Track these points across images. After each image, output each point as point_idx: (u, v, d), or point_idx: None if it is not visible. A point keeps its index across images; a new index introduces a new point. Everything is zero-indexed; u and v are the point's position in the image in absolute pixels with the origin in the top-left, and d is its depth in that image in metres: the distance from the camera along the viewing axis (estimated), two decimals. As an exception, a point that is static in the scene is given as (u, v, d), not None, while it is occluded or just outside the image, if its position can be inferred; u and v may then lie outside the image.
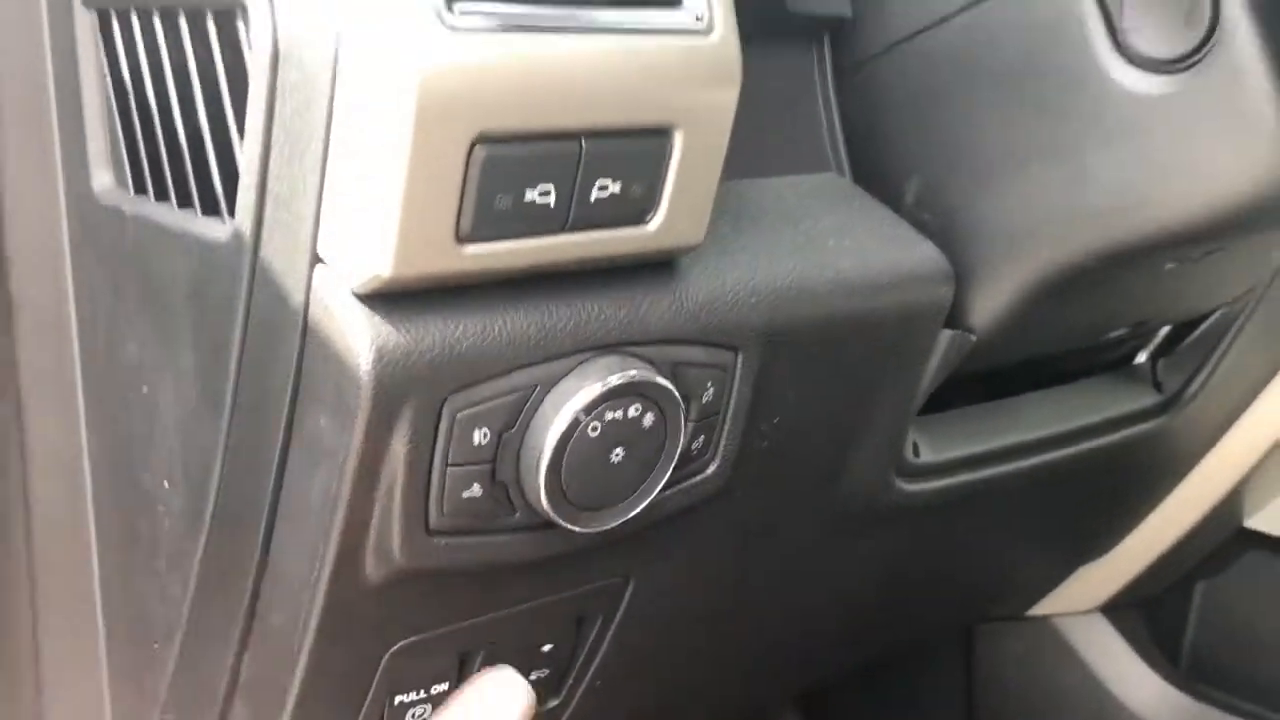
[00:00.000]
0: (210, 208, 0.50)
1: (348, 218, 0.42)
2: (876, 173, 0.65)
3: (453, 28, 0.39)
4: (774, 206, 0.59)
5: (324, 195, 0.43)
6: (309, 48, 0.42)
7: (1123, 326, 0.78)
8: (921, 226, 0.63)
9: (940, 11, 0.60)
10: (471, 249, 0.43)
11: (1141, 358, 0.87)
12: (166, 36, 0.50)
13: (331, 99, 0.41)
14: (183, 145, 0.51)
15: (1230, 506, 1.08)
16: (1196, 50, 0.53)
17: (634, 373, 0.48)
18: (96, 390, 0.61)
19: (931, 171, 0.62)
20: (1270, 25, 0.51)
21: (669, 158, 0.46)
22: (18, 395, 0.64)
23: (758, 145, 0.61)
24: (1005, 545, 0.97)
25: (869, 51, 0.64)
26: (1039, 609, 1.19)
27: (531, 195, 0.43)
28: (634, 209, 0.46)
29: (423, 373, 0.44)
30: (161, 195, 0.54)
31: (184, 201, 0.52)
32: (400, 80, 0.39)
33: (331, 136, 0.42)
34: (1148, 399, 0.86)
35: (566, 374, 0.47)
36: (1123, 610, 1.20)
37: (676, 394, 0.50)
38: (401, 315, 0.43)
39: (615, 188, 0.45)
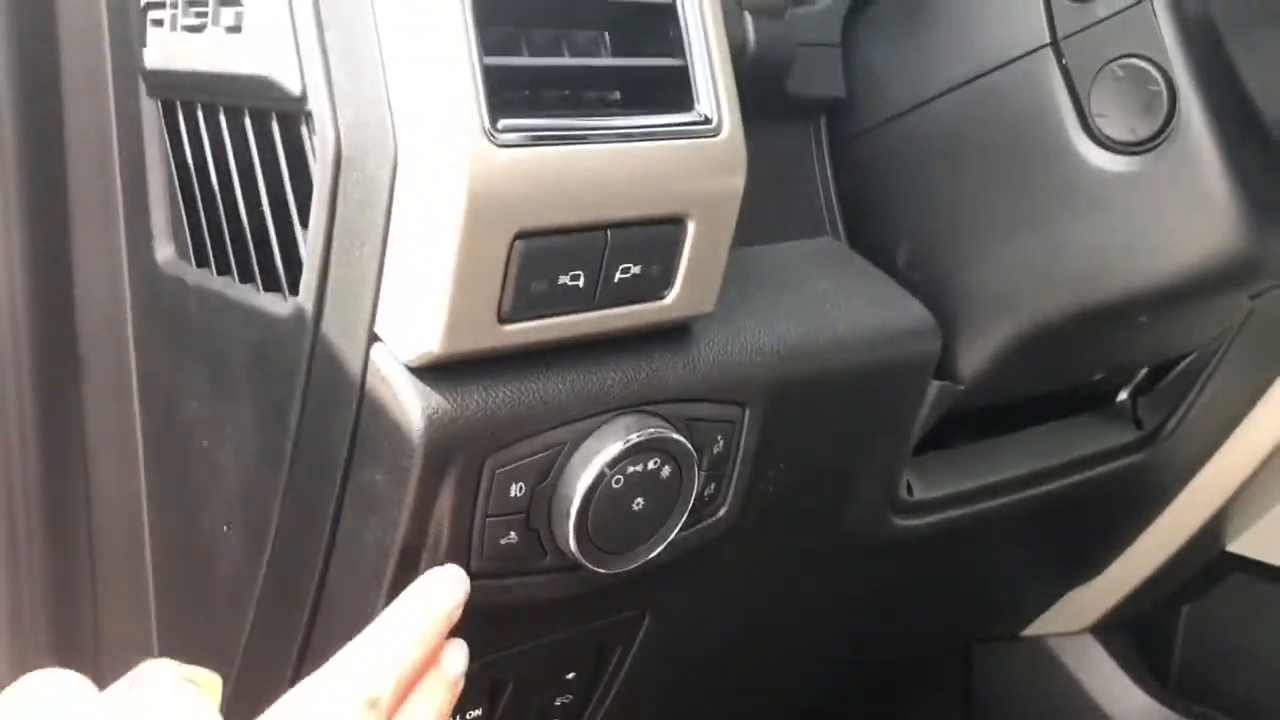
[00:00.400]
0: (271, 284, 0.56)
1: (402, 302, 0.48)
2: (870, 237, 0.70)
3: (496, 142, 0.45)
4: (777, 271, 0.65)
5: (381, 282, 0.49)
6: (370, 155, 0.47)
7: (1102, 372, 0.83)
8: (911, 286, 0.68)
9: (926, 93, 0.66)
10: (510, 327, 0.49)
11: (1123, 396, 0.93)
12: (230, 130, 0.56)
13: (390, 200, 0.47)
14: (245, 226, 0.57)
15: (1212, 532, 1.13)
16: (1156, 135, 0.58)
17: (652, 430, 0.54)
18: (157, 443, 0.67)
19: (920, 237, 0.68)
20: (1220, 116, 0.57)
21: (683, 242, 0.52)
22: (83, 445, 0.69)
23: (762, 213, 0.67)
24: (997, 571, 1.02)
25: (862, 127, 0.70)
26: (1032, 629, 1.24)
27: (564, 279, 0.49)
28: (652, 286, 0.52)
29: (467, 435, 0.50)
30: (223, 269, 0.59)
31: (245, 277, 0.58)
32: (452, 188, 0.45)
33: (390, 232, 0.48)
34: (1128, 435, 0.91)
35: (592, 432, 0.53)
36: (1112, 631, 1.25)
37: (691, 448, 0.55)
38: (449, 385, 0.49)
39: (636, 269, 0.51)
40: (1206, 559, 1.18)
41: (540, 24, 0.50)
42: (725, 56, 0.53)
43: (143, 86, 0.61)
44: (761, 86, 0.63)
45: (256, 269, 0.56)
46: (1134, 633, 1.27)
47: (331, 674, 0.43)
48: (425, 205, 0.46)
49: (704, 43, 0.52)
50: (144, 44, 0.59)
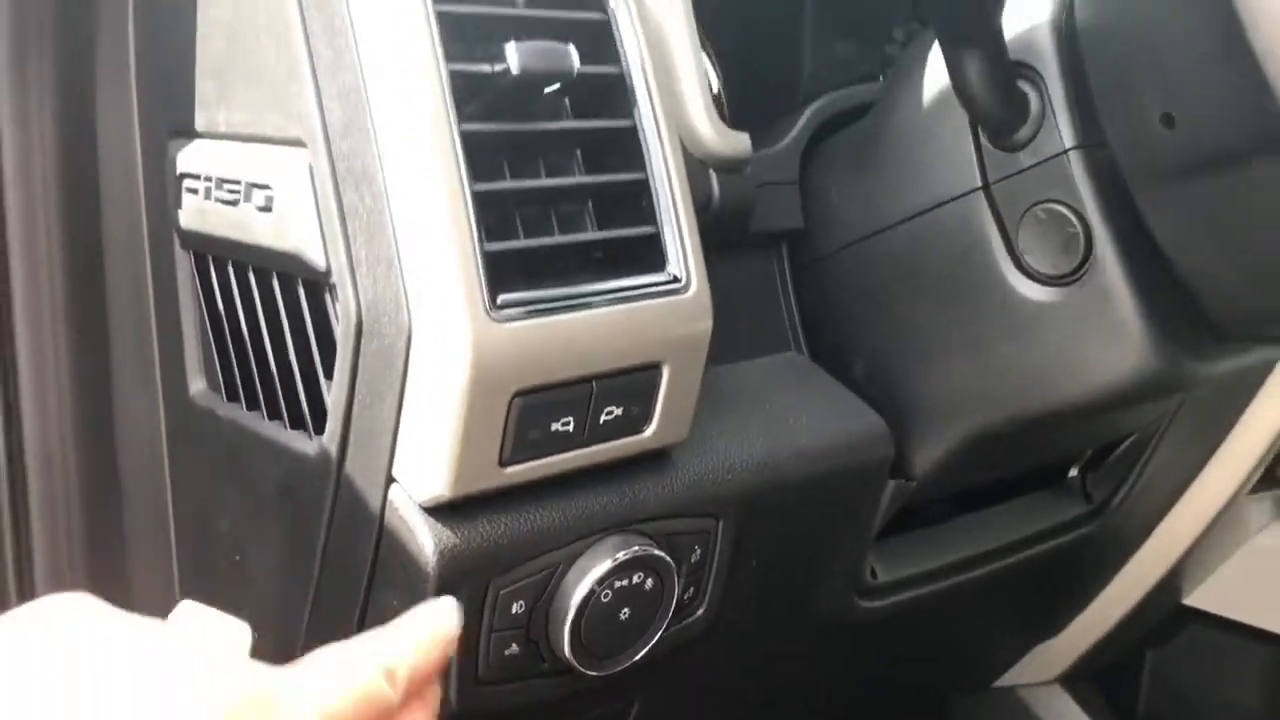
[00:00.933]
0: (298, 423, 0.63)
1: (417, 450, 0.56)
2: (830, 351, 0.78)
3: (496, 318, 0.53)
4: (745, 389, 0.73)
5: (399, 434, 0.56)
6: (387, 326, 0.55)
7: (1048, 460, 0.91)
8: (867, 395, 0.76)
9: (876, 225, 0.74)
10: (510, 469, 0.56)
11: (1073, 472, 1.01)
12: (259, 289, 0.63)
13: (406, 365, 0.54)
14: (273, 371, 0.64)
15: (1168, 588, 1.20)
16: (1076, 271, 0.66)
17: (637, 549, 0.61)
18: (191, 555, 0.74)
19: (873, 351, 0.76)
20: (1130, 255, 0.65)
21: (659, 384, 0.60)
22: (124, 559, 0.76)
23: (733, 332, 0.75)
24: (964, 635, 1.09)
25: (820, 254, 0.77)
26: (1003, 680, 1.31)
27: (556, 426, 0.56)
28: (633, 423, 0.60)
29: (473, 564, 0.57)
30: (253, 406, 0.67)
31: (274, 415, 0.65)
32: (458, 359, 0.52)
33: (405, 391, 0.55)
34: (1080, 508, 0.99)
35: (583, 553, 0.60)
36: (1080, 680, 1.32)
37: (671, 562, 0.63)
38: (457, 522, 0.56)
39: (619, 411, 0.59)
40: (1165, 613, 1.26)
41: (533, 205, 0.57)
42: (691, 221, 0.60)
43: (177, 239, 0.69)
44: (727, 227, 0.70)
45: (284, 409, 0.64)
46: (1100, 682, 1.34)
47: (354, 642, 0.44)
48: (436, 371, 0.53)
49: (672, 211, 0.60)
50: (179, 206, 0.67)
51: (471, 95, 0.55)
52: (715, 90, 0.85)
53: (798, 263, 0.79)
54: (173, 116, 0.66)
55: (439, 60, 0.53)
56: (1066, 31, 0.66)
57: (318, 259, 0.57)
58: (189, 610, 0.43)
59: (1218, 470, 1.09)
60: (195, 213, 0.65)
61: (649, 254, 0.60)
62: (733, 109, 0.86)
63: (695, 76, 0.65)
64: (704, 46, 0.84)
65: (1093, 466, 1.01)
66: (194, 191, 0.65)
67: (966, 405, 0.73)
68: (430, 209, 0.53)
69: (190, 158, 0.65)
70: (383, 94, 0.54)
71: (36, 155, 0.71)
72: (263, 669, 0.41)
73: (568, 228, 0.59)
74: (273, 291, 0.62)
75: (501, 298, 0.53)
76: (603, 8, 0.60)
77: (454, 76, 0.53)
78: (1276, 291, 0.61)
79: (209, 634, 0.42)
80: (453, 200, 0.52)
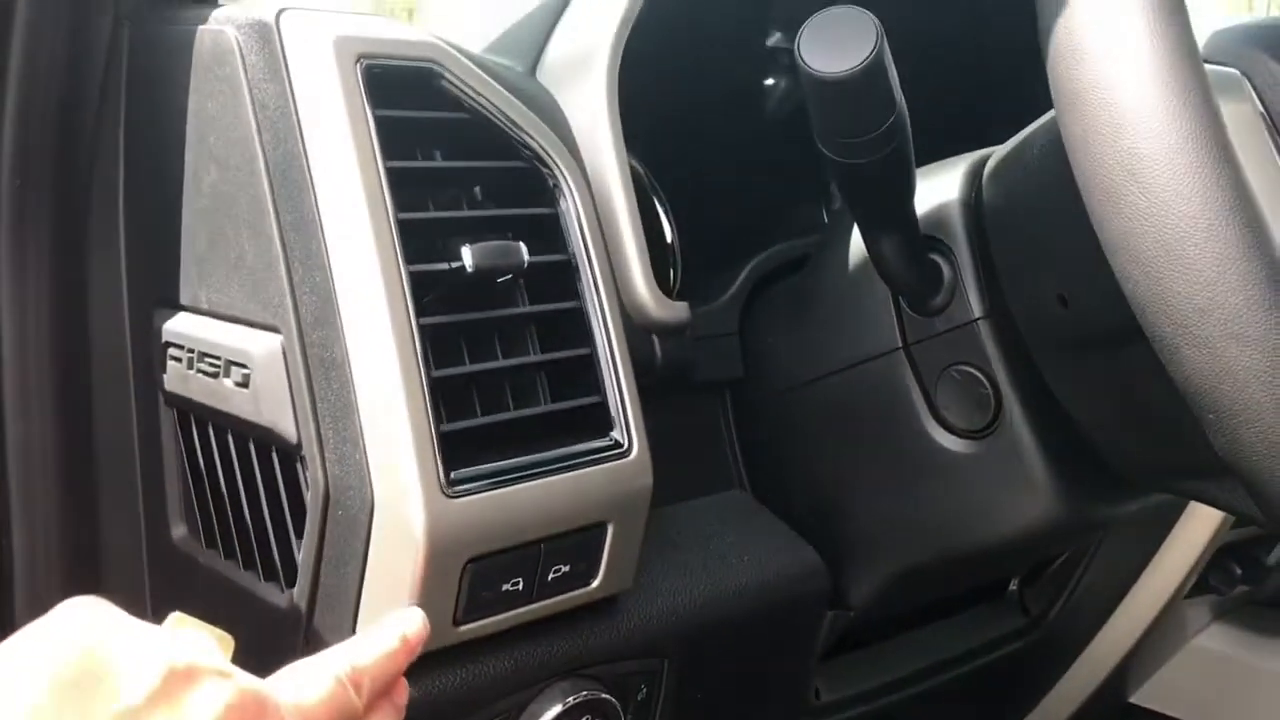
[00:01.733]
0: (270, 575, 0.68)
1: (378, 610, 0.61)
2: (771, 488, 0.84)
3: (451, 494, 0.58)
4: (690, 530, 0.78)
5: (362, 593, 0.61)
6: (351, 498, 0.60)
7: (983, 583, 0.97)
8: (805, 529, 0.82)
9: (810, 375, 0.80)
10: (463, 628, 0.62)
11: (1012, 586, 1.06)
12: (237, 450, 0.69)
13: (368, 534, 0.60)
14: (248, 525, 0.69)
15: (1113, 687, 1.25)
16: (988, 426, 0.72)
17: (585, 693, 0.66)
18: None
19: (810, 490, 0.82)
20: (1037, 412, 0.71)
21: (604, 542, 0.65)
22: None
23: (680, 472, 0.80)
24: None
25: (759, 398, 0.84)
26: (960, 777, 1.35)
27: (506, 586, 0.62)
28: (580, 578, 0.65)
29: (429, 713, 0.62)
30: (229, 555, 0.72)
31: (248, 565, 0.70)
32: (415, 533, 0.58)
33: (368, 556, 0.60)
34: (1018, 621, 1.04)
35: (534, 699, 0.66)
36: (1036, 775, 1.37)
37: (617, 704, 0.68)
38: (414, 675, 0.61)
39: (566, 568, 0.64)
40: (1112, 712, 1.31)
41: (490, 382, 0.63)
42: (633, 389, 0.66)
43: (161, 398, 0.75)
44: (671, 381, 0.76)
45: (258, 561, 0.69)
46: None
47: (314, 657, 0.48)
48: (395, 543, 0.59)
49: (615, 381, 0.66)
50: (164, 370, 0.73)
51: (431, 289, 0.61)
52: (669, 239, 0.92)
53: (739, 406, 0.85)
54: (159, 289, 0.72)
55: (400, 263, 0.59)
56: (974, 210, 0.73)
57: (290, 434, 0.63)
58: (180, 620, 0.47)
59: (1153, 579, 1.15)
60: (179, 378, 0.71)
61: (595, 420, 0.66)
62: (685, 254, 0.93)
63: (637, 253, 0.72)
64: (659, 199, 0.92)
65: (1030, 581, 1.06)
66: (178, 360, 0.71)
67: (895, 543, 0.79)
68: (391, 396, 0.58)
69: (175, 328, 0.71)
70: (349, 291, 0.60)
71: (31, 318, 0.76)
72: (245, 674, 0.44)
73: (521, 399, 0.65)
74: (249, 455, 0.68)
75: (456, 473, 0.59)
76: (552, 203, 0.67)
77: (413, 275, 0.60)
78: (1173, 452, 0.67)
79: (201, 640, 0.46)
80: (410, 388, 0.58)
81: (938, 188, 0.74)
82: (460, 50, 0.70)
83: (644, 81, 0.76)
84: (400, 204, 0.60)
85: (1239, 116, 0.58)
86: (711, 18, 0.89)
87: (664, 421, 0.70)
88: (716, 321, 0.82)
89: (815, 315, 0.81)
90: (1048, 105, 0.69)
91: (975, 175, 0.74)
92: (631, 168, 0.90)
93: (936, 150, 0.76)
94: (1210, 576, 1.19)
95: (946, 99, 0.93)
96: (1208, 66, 0.64)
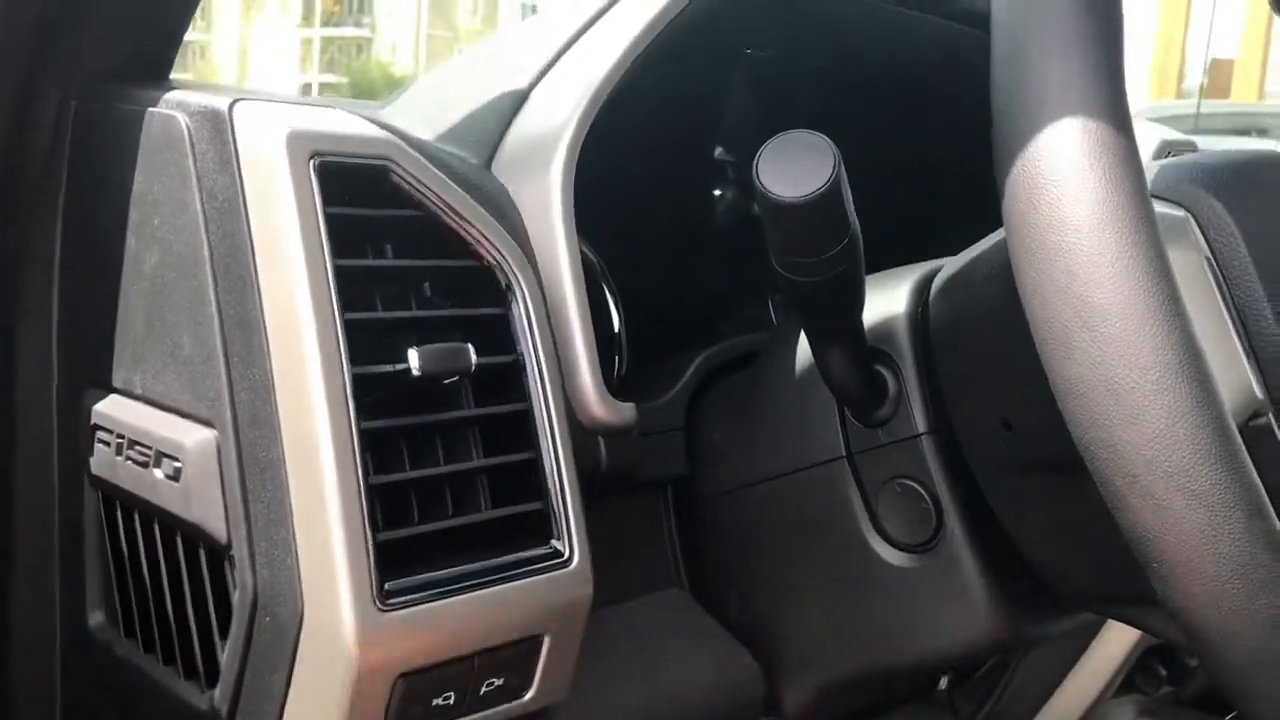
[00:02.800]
0: (191, 674, 0.66)
1: (304, 719, 0.59)
2: (710, 589, 0.83)
3: (383, 608, 0.57)
4: (626, 634, 0.77)
5: (287, 703, 0.59)
6: (281, 606, 0.58)
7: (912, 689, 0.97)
8: (743, 633, 0.81)
9: (752, 478, 0.80)
10: (393, 742, 0.60)
11: (942, 684, 1.06)
12: (164, 541, 0.67)
13: (296, 644, 0.58)
14: (170, 620, 0.67)
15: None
16: (928, 541, 0.72)
17: (513, 809, 0.65)
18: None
19: (748, 594, 0.81)
20: (977, 530, 0.71)
21: (540, 655, 0.64)
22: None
23: (619, 571, 0.79)
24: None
25: (701, 497, 0.83)
26: None
27: (438, 700, 0.60)
28: (514, 692, 0.64)
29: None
30: (149, 648, 0.69)
31: (168, 660, 0.68)
32: (345, 648, 0.56)
33: (295, 665, 0.59)
34: None
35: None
36: None
37: (545, 816, 0.66)
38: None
39: (499, 681, 0.63)
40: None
41: (430, 491, 0.62)
42: (577, 496, 0.65)
43: (87, 479, 0.72)
44: (614, 481, 0.76)
45: (179, 658, 0.67)
46: None
47: None
48: (323, 655, 0.57)
49: (559, 487, 0.65)
50: (91, 453, 0.70)
51: (374, 391, 0.60)
52: (617, 329, 0.92)
53: (682, 505, 0.85)
54: (91, 369, 0.70)
55: (343, 364, 0.58)
56: (921, 325, 0.73)
57: (220, 534, 0.61)
58: None
59: (1080, 679, 1.16)
60: (106, 463, 0.69)
61: (536, 527, 0.64)
62: (631, 345, 0.92)
63: (586, 356, 0.71)
64: (609, 288, 0.91)
65: (959, 682, 1.06)
66: (106, 444, 0.68)
67: (831, 653, 0.78)
68: (326, 502, 0.57)
69: (105, 411, 0.69)
70: (288, 391, 0.58)
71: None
72: None
73: (462, 504, 0.63)
74: (176, 548, 0.66)
75: (390, 584, 0.57)
76: (502, 303, 0.66)
77: (357, 378, 0.58)
78: (1113, 579, 0.67)
79: None
80: (346, 494, 0.57)
81: (886, 300, 0.75)
82: (415, 143, 0.69)
83: (598, 173, 0.75)
84: (347, 303, 0.59)
85: (1187, 263, 0.59)
86: (662, 123, 0.89)
87: (604, 518, 0.69)
88: (662, 417, 0.82)
89: (761, 416, 0.80)
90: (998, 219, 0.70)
91: (923, 289, 0.75)
92: (583, 256, 0.90)
93: (884, 255, 0.77)
94: (1136, 677, 1.20)
95: (897, 205, 0.94)
96: (1156, 205, 0.66)
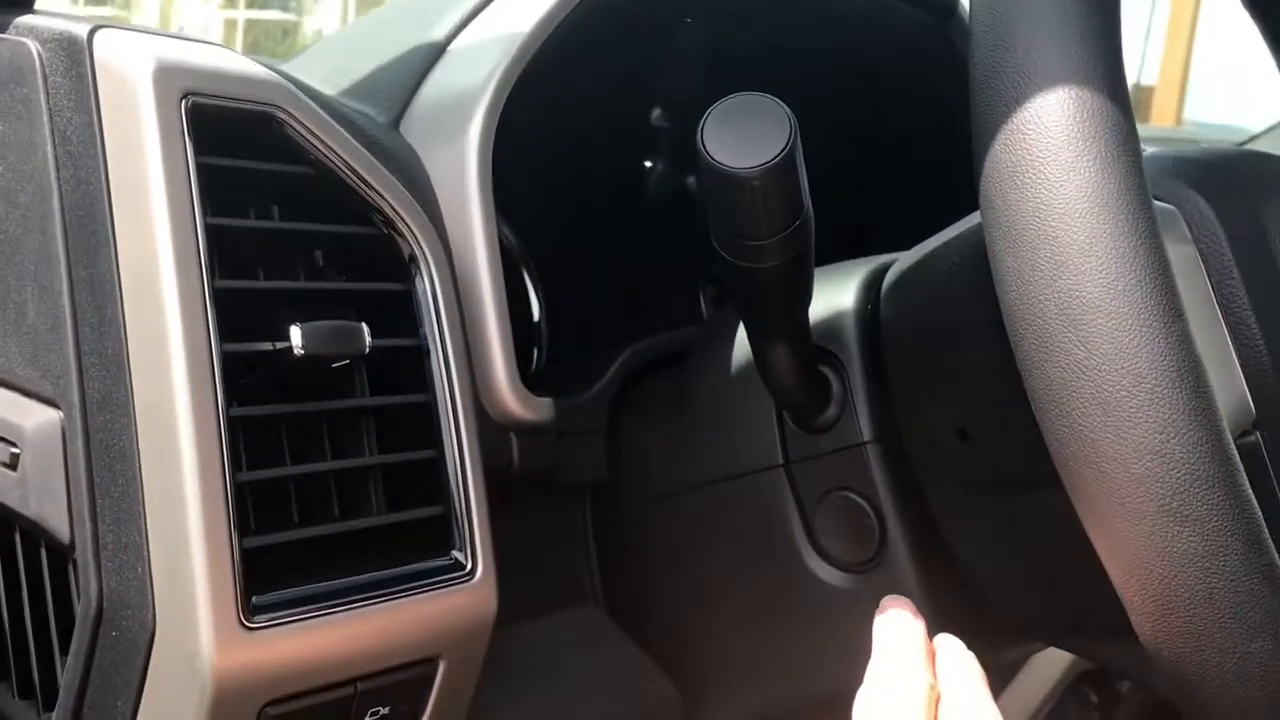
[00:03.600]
0: (26, 693, 0.57)
1: (150, 756, 0.50)
2: (628, 606, 0.76)
3: (247, 625, 0.48)
4: (534, 655, 0.70)
5: (131, 732, 0.51)
6: (129, 618, 0.50)
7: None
8: (662, 655, 0.74)
9: (681, 485, 0.73)
10: (257, 780, 0.51)
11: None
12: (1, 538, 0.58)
13: (146, 662, 0.49)
14: (4, 628, 0.58)
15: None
16: (869, 561, 0.66)
17: None
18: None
19: (671, 613, 0.74)
20: (922, 550, 0.65)
21: (434, 680, 0.56)
22: None
23: (529, 584, 0.71)
24: None
25: (623, 506, 0.76)
26: None
27: (311, 731, 0.52)
28: (402, 720, 0.56)
29: None
30: (-20, 663, 0.60)
31: (2, 676, 0.58)
32: (200, 670, 0.48)
33: (144, 689, 0.50)
34: None
35: None
36: None
37: None
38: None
39: (385, 710, 0.54)
40: None
41: (314, 491, 0.54)
42: (483, 502, 0.58)
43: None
44: (527, 485, 0.68)
45: (14, 674, 0.57)
46: None
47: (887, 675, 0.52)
48: (177, 677, 0.49)
49: (462, 491, 0.57)
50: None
51: (249, 371, 0.51)
52: (537, 318, 0.84)
53: (600, 513, 0.77)
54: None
55: (210, 339, 0.49)
56: (871, 324, 0.67)
57: (62, 532, 0.52)
58: None
59: (1011, 704, 1.11)
60: (-66, 446, 0.59)
61: (434, 535, 0.57)
62: (550, 336, 0.85)
63: (500, 343, 0.63)
64: (529, 273, 0.84)
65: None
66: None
67: (758, 678, 0.71)
68: (185, 501, 0.48)
69: (-66, 385, 0.59)
70: (146, 370, 0.50)
71: None
72: None
73: (351, 506, 0.55)
74: (13, 546, 0.57)
75: (258, 599, 0.49)
76: (405, 278, 0.58)
77: (227, 356, 0.50)
78: (1068, 609, 0.62)
79: None
80: (209, 491, 0.48)
81: (833, 295, 0.68)
82: (311, 93, 0.61)
83: (519, 145, 0.68)
84: (219, 270, 0.51)
85: (1182, 259, 0.53)
86: (593, 85, 0.81)
87: (513, 525, 0.62)
88: (582, 417, 0.74)
89: (691, 419, 0.73)
90: (960, 209, 0.64)
91: (874, 284, 0.68)
92: (502, 237, 0.81)
93: (826, 247, 0.71)
94: (1067, 702, 1.16)
95: (846, 195, 0.87)
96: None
